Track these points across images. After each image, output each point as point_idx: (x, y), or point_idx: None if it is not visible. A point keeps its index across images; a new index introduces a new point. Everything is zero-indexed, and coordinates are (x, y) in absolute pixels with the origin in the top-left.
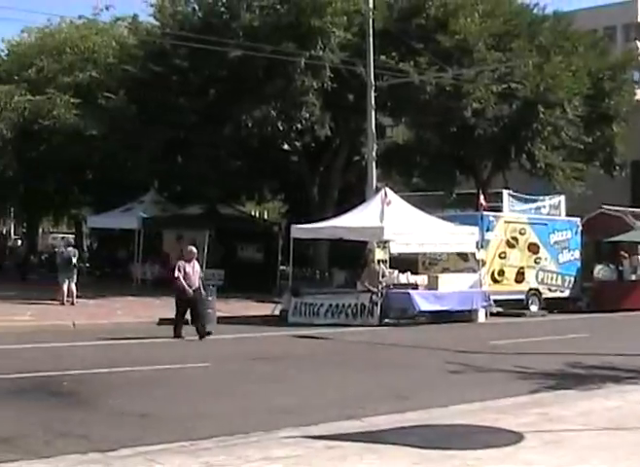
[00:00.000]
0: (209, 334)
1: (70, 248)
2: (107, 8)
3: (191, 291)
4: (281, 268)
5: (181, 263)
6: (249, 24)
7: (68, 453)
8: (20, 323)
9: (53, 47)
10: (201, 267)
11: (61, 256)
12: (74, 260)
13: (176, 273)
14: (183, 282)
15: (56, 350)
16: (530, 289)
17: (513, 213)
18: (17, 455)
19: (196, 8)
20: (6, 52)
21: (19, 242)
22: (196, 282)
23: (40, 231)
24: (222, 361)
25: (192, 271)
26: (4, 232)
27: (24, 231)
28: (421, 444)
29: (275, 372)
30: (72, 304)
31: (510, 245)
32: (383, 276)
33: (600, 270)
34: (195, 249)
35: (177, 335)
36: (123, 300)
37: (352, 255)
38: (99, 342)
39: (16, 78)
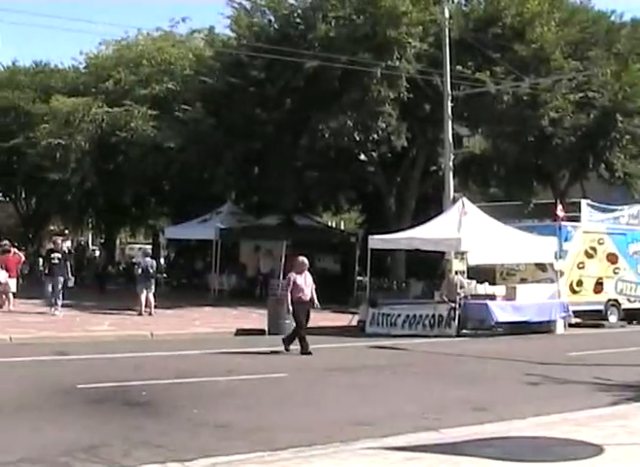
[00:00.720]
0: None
1: (148, 259)
2: (184, 20)
3: (290, 307)
4: (358, 278)
5: (292, 275)
6: (325, 35)
7: (147, 463)
8: (99, 333)
9: (131, 59)
10: (278, 277)
11: (139, 267)
12: (152, 270)
13: (285, 285)
14: (289, 295)
15: (135, 360)
16: (609, 300)
17: (591, 223)
18: (98, 464)
19: (272, 19)
20: (84, 64)
21: (97, 253)
22: (309, 294)
23: (117, 242)
24: (300, 371)
25: (303, 283)
26: (82, 243)
27: (102, 242)
28: (500, 456)
29: (353, 382)
30: (150, 314)
31: (588, 255)
32: (461, 287)
33: None
34: (306, 261)
35: (305, 351)
36: (200, 310)
37: (429, 265)
38: (177, 353)
39: (93, 90)
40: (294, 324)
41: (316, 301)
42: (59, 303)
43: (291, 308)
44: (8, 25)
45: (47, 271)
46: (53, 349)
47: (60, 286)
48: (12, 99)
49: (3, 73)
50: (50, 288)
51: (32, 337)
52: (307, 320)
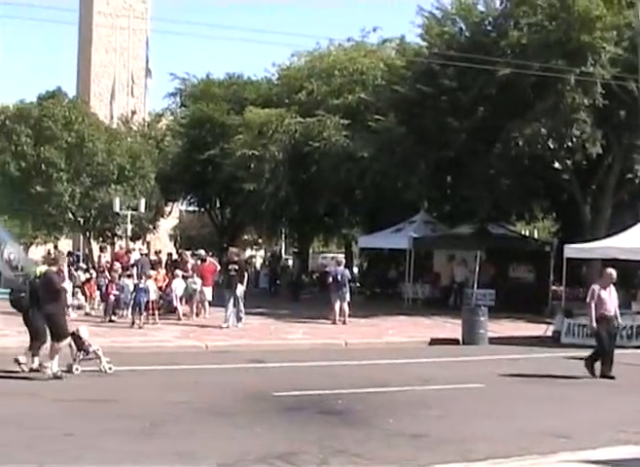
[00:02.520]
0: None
1: (341, 268)
2: (374, 30)
3: (594, 324)
4: (553, 288)
5: (596, 287)
6: (517, 42)
7: None
8: (294, 341)
9: (322, 70)
10: (472, 286)
11: (332, 275)
12: (345, 279)
13: (587, 299)
14: (592, 311)
15: (330, 369)
16: None
17: None
18: None
19: (463, 27)
20: (277, 76)
21: (291, 262)
22: (612, 310)
23: (310, 251)
24: (495, 382)
25: (607, 298)
26: (276, 252)
27: (296, 251)
28: None
29: (548, 393)
30: (344, 322)
31: None
32: None
33: None
34: (614, 274)
35: (604, 374)
36: (393, 319)
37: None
38: (372, 362)
39: (286, 101)
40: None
41: (619, 318)
42: (242, 315)
43: (594, 326)
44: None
45: (226, 284)
46: (248, 357)
47: (238, 297)
48: (207, 111)
49: (198, 86)
50: (231, 300)
51: (228, 344)
52: (613, 340)
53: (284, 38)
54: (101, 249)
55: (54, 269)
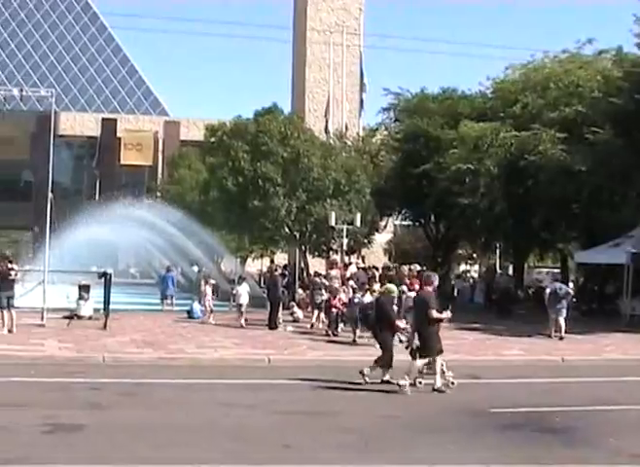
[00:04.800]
0: None
1: (557, 283)
2: (590, 41)
3: None
4: None
5: None
6: None
7: None
8: (509, 357)
9: (537, 82)
10: None
11: (550, 290)
12: (563, 294)
13: None
14: None
15: (547, 385)
16: None
17: None
18: None
19: None
20: (491, 89)
21: (504, 278)
22: None
23: (525, 266)
24: None
25: None
26: (492, 267)
27: (509, 266)
28: None
29: None
30: (560, 338)
31: None
32: None
33: None
34: None
35: None
36: (611, 336)
37: None
38: (590, 379)
39: (501, 115)
40: None
41: None
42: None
43: None
44: (414, 54)
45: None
46: (463, 372)
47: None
48: (421, 126)
49: (412, 100)
50: None
51: (446, 359)
52: None
53: (499, 51)
54: (331, 265)
55: (429, 288)
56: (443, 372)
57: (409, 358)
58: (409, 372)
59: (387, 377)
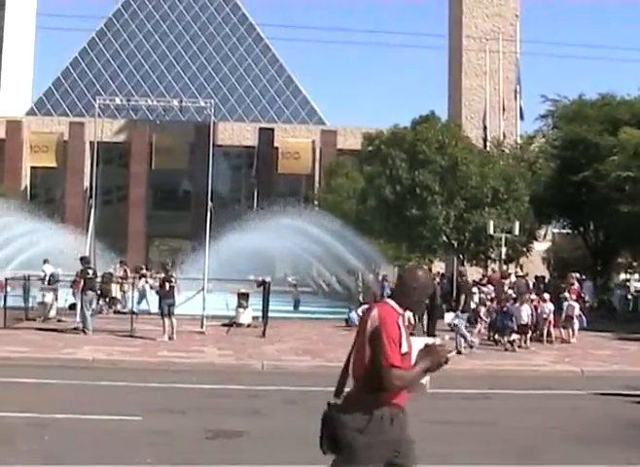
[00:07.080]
0: None
1: None
2: None
3: None
4: None
5: None
6: None
7: None
8: None
9: None
10: None
11: None
12: None
13: None
14: None
15: None
16: None
17: None
18: None
19: None
20: None
21: None
22: None
23: None
24: None
25: None
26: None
27: None
28: None
29: None
30: None
31: None
32: None
33: None
34: None
35: None
36: None
37: None
38: None
39: None
40: None
41: None
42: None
43: None
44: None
45: None
46: (625, 384)
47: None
48: (579, 132)
49: (570, 107)
50: None
51: (603, 370)
52: None
53: None
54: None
55: None
56: None
57: None
58: None
59: None
